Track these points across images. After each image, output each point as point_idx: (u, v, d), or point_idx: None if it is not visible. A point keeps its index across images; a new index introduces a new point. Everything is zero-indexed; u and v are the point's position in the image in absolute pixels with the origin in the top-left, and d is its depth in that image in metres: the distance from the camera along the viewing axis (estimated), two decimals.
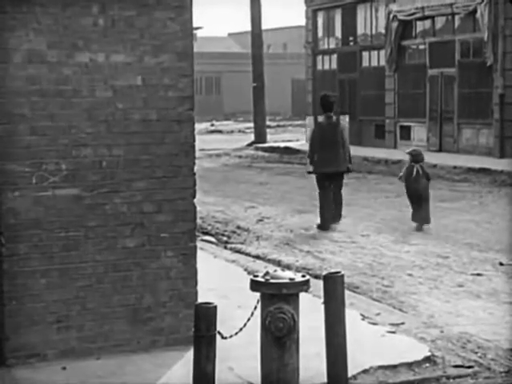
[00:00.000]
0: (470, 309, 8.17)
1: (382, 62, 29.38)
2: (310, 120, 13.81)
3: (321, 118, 13.42)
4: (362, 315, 7.66)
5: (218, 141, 35.22)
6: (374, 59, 30.15)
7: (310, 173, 13.68)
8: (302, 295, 4.89)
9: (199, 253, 6.81)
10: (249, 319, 4.90)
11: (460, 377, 6.18)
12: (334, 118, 13.33)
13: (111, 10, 6.24)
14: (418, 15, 27.05)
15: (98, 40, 6.22)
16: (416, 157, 13.39)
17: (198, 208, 6.80)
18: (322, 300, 5.44)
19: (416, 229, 12.82)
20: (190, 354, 5.10)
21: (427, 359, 6.45)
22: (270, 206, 15.63)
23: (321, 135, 13.21)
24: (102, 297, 6.32)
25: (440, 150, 25.99)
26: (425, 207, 13.04)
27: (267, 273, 4.82)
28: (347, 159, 13.39)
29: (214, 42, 71.86)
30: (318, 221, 13.03)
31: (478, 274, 9.63)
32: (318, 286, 6.71)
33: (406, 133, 28.10)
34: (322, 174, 13.31)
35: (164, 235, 6.47)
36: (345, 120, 13.62)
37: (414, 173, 13.15)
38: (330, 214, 13.12)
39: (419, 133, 27.36)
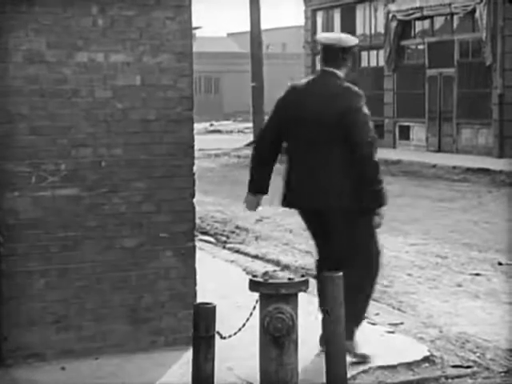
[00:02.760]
0: (468, 309, 8.17)
1: (381, 62, 29.42)
2: None
3: None
4: None
5: (217, 141, 35.23)
6: (373, 59, 30.19)
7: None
8: (301, 295, 4.89)
9: (198, 253, 6.81)
10: (248, 319, 4.89)
11: (459, 377, 6.18)
12: None
13: (110, 9, 6.24)
14: (416, 15, 27.07)
15: (97, 40, 6.22)
16: None
17: (197, 208, 6.80)
18: None
19: None
20: (188, 354, 5.09)
21: (426, 359, 6.44)
22: (268, 206, 15.58)
23: None
24: (101, 297, 6.31)
25: (439, 150, 26.02)
26: None
27: (266, 273, 4.82)
28: None
29: (213, 41, 71.91)
30: None
31: (477, 274, 9.63)
32: None
33: (404, 133, 28.14)
34: None
35: (163, 235, 6.47)
36: None
37: None
38: None
39: (418, 133, 27.39)
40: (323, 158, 6.06)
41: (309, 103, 6.14)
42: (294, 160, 6.27)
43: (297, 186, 6.21)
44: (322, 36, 6.55)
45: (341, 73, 6.18)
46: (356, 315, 6.13)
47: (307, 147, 6.12)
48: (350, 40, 6.28)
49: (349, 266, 5.83)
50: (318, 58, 32.99)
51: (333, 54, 6.21)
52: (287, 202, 6.31)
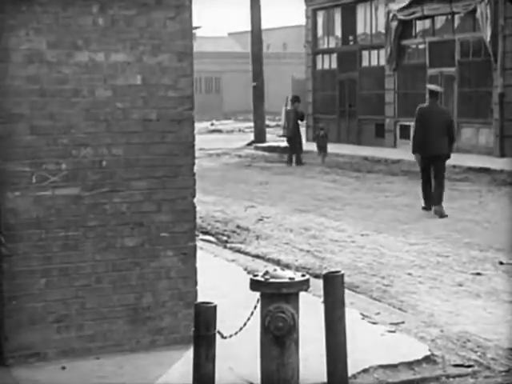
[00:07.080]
0: (469, 308, 8.17)
1: (382, 62, 29.41)
2: (284, 108, 25.94)
3: (290, 107, 25.63)
4: (361, 314, 7.66)
5: (217, 140, 35.24)
6: (374, 59, 30.17)
7: (282, 135, 25.96)
8: (302, 294, 4.89)
9: (199, 252, 6.82)
10: (249, 319, 4.90)
11: (460, 376, 6.18)
12: (299, 107, 25.47)
13: (111, 9, 6.24)
14: (417, 14, 27.06)
15: (97, 39, 6.22)
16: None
17: (198, 207, 6.80)
18: (321, 299, 5.44)
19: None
20: (189, 354, 5.10)
21: (427, 358, 6.45)
22: (269, 206, 15.63)
23: (288, 117, 25.31)
24: (102, 296, 6.32)
25: None
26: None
27: (267, 272, 4.82)
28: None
29: (214, 41, 71.95)
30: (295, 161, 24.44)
31: (478, 273, 9.63)
32: (317, 285, 6.71)
33: (405, 132, 28.10)
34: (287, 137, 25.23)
35: (164, 235, 6.48)
36: (299, 107, 25.31)
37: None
38: (300, 154, 24.84)
39: None
40: (442, 134, 14.45)
41: (435, 115, 14.60)
42: (427, 136, 14.36)
43: (431, 144, 14.36)
44: (432, 86, 15.61)
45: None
46: (442, 193, 14.37)
47: (435, 131, 14.37)
48: (439, 88, 15.54)
49: (442, 175, 14.57)
50: (318, 57, 33.06)
51: (435, 94, 14.88)
52: (422, 151, 14.53)
